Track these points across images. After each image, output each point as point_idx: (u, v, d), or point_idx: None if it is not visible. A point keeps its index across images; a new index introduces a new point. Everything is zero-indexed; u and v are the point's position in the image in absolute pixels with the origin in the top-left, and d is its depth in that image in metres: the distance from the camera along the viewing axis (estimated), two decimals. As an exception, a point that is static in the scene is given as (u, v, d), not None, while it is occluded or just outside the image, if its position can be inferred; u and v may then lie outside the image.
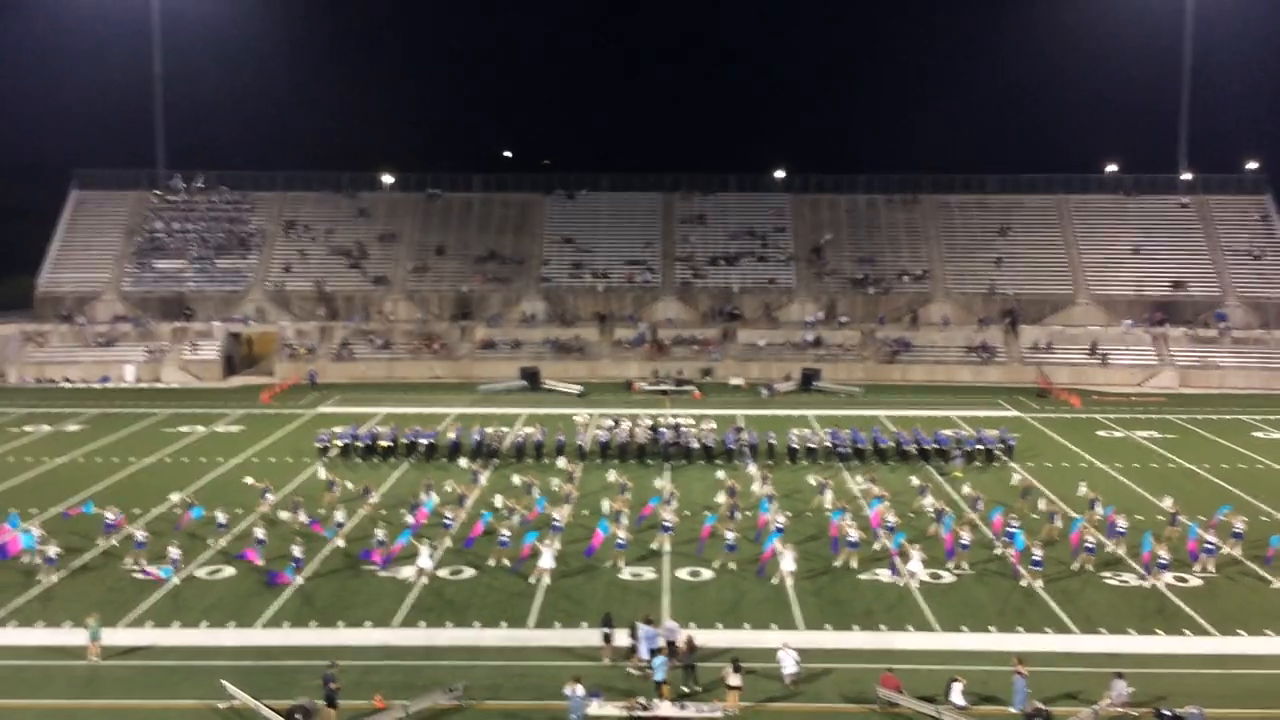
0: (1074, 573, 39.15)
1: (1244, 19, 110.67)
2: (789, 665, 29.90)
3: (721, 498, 46.90)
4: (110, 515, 42.95)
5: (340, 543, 41.81)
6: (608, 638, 32.13)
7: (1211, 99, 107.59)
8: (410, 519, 43.64)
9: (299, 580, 37.83)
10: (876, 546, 41.55)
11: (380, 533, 40.54)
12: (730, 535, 40.51)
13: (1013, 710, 28.28)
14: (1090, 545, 40.08)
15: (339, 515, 43.93)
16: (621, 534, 40.91)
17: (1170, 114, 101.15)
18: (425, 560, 38.57)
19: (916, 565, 38.45)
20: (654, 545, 41.87)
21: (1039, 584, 37.75)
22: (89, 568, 39.53)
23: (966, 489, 49.94)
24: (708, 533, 41.80)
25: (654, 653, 30.43)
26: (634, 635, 31.35)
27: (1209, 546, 40.15)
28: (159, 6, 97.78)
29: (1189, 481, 53.28)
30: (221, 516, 42.85)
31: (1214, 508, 46.94)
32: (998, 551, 41.14)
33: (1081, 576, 38.84)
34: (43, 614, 34.94)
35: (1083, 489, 48.98)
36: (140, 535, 40.36)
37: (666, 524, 42.60)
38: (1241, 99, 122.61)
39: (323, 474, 51.53)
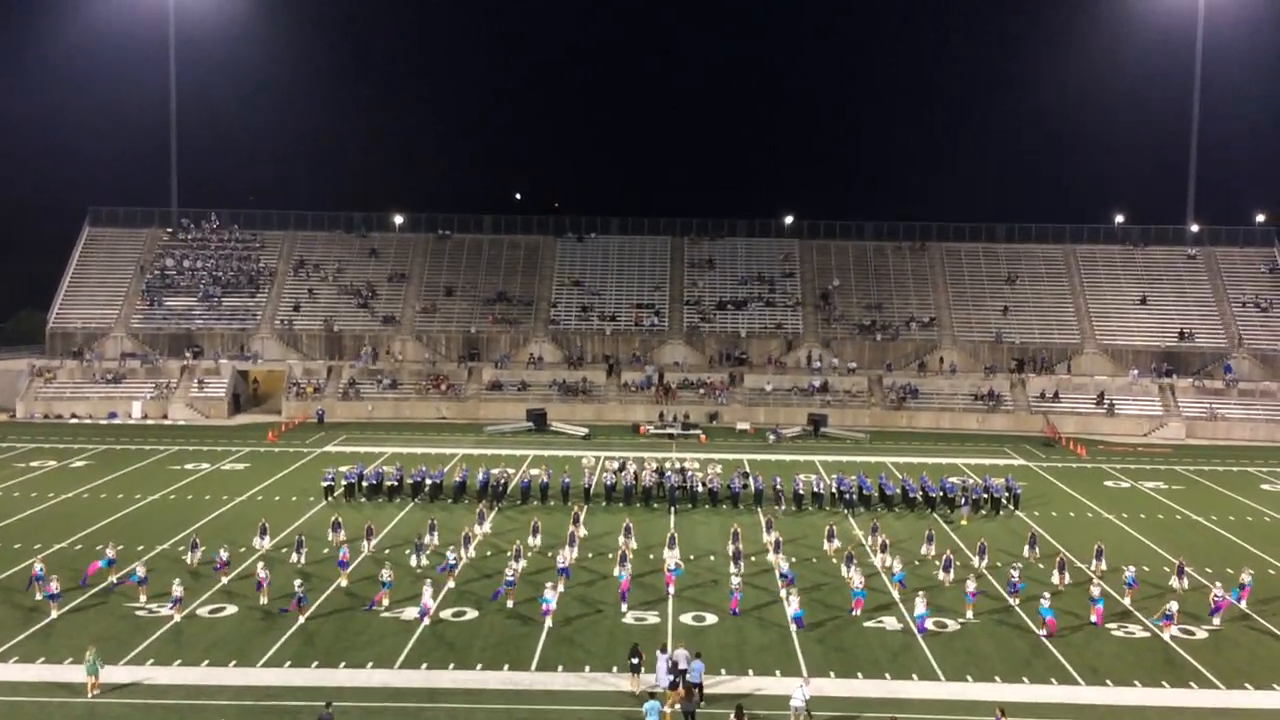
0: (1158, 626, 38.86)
1: (1252, 73, 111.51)
2: (798, 700, 29.56)
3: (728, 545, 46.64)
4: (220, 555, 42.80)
5: (343, 582, 41.65)
6: (635, 669, 32.54)
7: (1219, 152, 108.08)
8: (415, 560, 43.73)
9: (301, 619, 37.66)
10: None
11: (386, 573, 40.37)
12: (735, 580, 40.39)
13: None
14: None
15: (344, 553, 43.86)
16: (625, 573, 40.92)
17: (1178, 166, 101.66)
18: (428, 599, 38.35)
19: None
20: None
21: (1043, 634, 37.50)
22: (84, 607, 39.37)
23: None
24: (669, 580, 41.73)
25: (680, 673, 31.30)
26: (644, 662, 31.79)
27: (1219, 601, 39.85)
28: (174, 50, 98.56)
29: (1195, 533, 52.93)
30: (224, 554, 42.74)
31: (1223, 560, 46.77)
32: (1013, 603, 40.85)
33: (1087, 629, 38.53)
34: (43, 650, 34.78)
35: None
36: (141, 571, 40.32)
37: (674, 569, 42.43)
38: (1249, 152, 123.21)
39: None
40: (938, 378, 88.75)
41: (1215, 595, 40.13)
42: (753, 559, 45.17)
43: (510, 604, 39.37)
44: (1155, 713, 31.58)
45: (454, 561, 43.15)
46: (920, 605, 38.26)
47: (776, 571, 42.45)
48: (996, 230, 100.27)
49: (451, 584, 41.60)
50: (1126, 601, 41.02)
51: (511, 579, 40.13)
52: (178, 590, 38.52)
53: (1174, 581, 43.16)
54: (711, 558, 46.21)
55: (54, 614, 37.89)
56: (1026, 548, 47.84)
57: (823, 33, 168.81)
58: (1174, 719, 31.29)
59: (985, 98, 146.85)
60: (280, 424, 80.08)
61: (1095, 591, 40.32)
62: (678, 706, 30.18)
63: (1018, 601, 40.61)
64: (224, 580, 41.60)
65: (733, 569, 42.38)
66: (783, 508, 55.60)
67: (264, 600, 39.33)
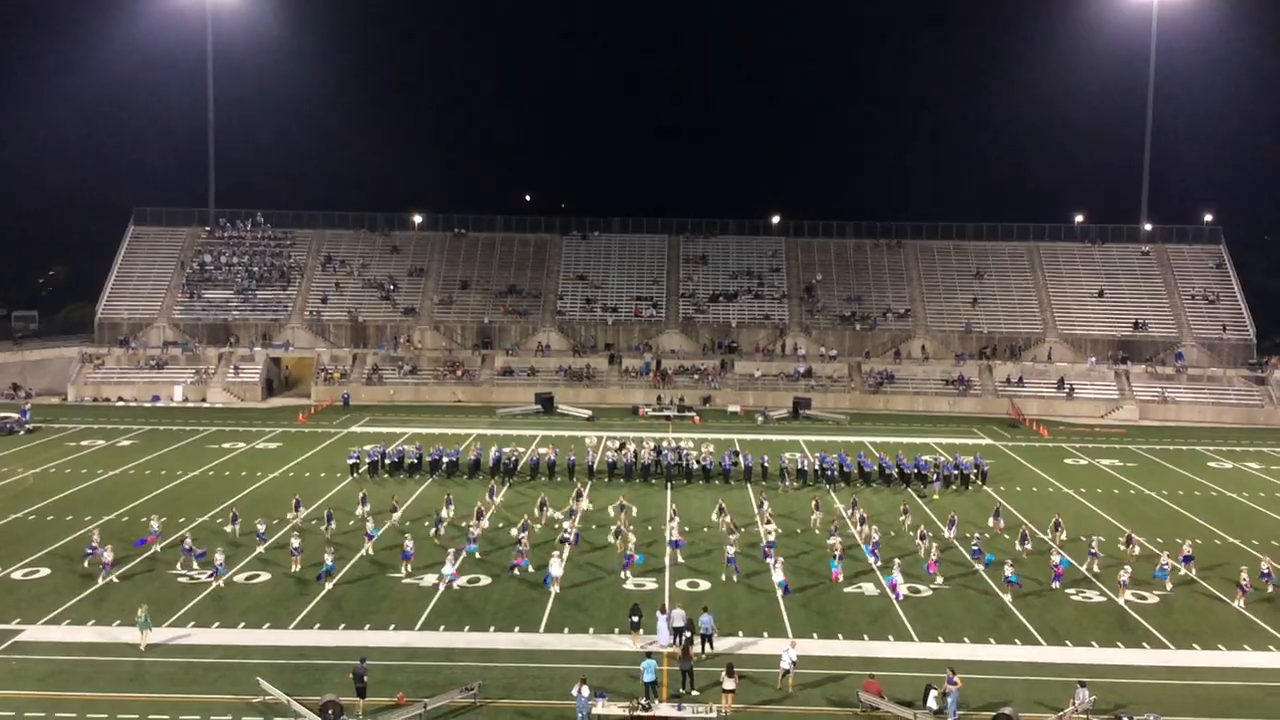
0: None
1: (1202, 82, 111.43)
2: (786, 661, 29.73)
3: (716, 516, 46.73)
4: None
5: (369, 551, 41.73)
6: (635, 626, 33.21)
7: (1171, 156, 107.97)
8: (434, 531, 43.91)
9: (328, 586, 37.79)
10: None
11: (409, 543, 40.45)
12: (731, 550, 40.53)
13: (907, 712, 28.02)
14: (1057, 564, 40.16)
15: (370, 526, 43.93)
16: (631, 546, 41.03)
17: (1133, 170, 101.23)
18: (449, 567, 38.45)
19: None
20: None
21: (1008, 598, 37.63)
22: (131, 574, 39.47)
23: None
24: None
25: (677, 632, 32.09)
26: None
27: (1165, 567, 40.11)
28: (212, 61, 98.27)
29: (1148, 506, 53.03)
30: (260, 527, 42.84)
31: (1173, 531, 46.98)
32: (978, 569, 40.97)
33: (1049, 593, 38.66)
34: (94, 614, 34.89)
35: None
36: (188, 542, 40.54)
37: (675, 540, 42.52)
38: (1198, 157, 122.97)
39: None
40: (912, 364, 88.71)
41: (1163, 564, 40.44)
42: (742, 530, 45.28)
43: (517, 571, 39.42)
44: (1111, 670, 31.68)
45: (475, 535, 43.18)
46: (896, 572, 38.44)
47: (763, 543, 42.50)
48: (966, 229, 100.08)
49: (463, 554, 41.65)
50: (1084, 569, 41.17)
51: (522, 550, 40.27)
52: (219, 558, 38.67)
53: (1125, 548, 43.31)
54: (705, 529, 46.30)
55: (102, 581, 38.01)
56: (991, 519, 47.97)
57: (808, 50, 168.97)
58: (1128, 676, 31.41)
59: (956, 107, 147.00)
60: (309, 407, 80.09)
61: (1055, 559, 40.51)
62: (675, 666, 30.33)
63: (982, 567, 40.78)
64: (259, 549, 41.67)
65: (731, 539, 42.37)
66: (788, 483, 55.55)
67: (296, 568, 39.45)
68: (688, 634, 31.90)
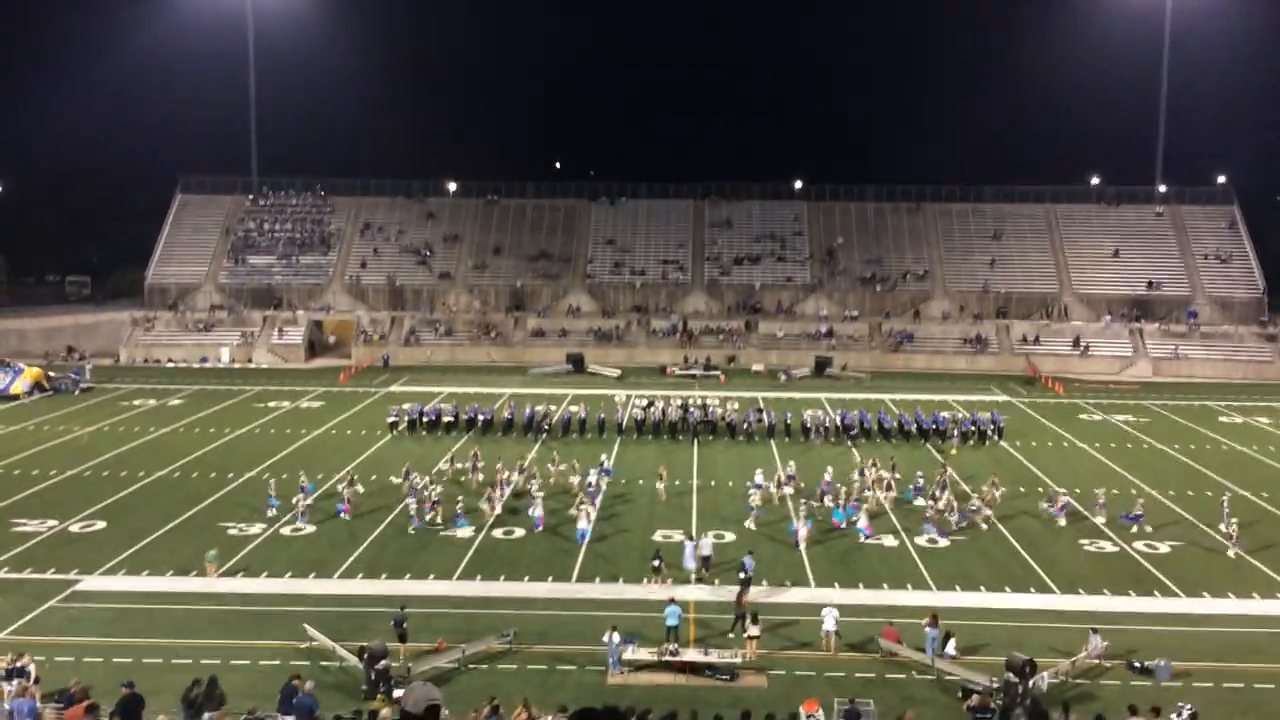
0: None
1: (1215, 46, 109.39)
2: (829, 624, 29.09)
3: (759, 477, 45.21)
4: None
5: (411, 503, 41.15)
6: (657, 570, 33.84)
7: (1184, 119, 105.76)
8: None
9: (417, 525, 39.36)
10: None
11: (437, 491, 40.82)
12: (757, 502, 40.75)
13: (926, 657, 28.10)
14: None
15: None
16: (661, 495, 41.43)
17: (1148, 132, 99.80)
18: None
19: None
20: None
21: (1018, 545, 37.59)
22: (183, 527, 39.96)
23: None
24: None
25: (705, 560, 34.24)
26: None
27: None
28: (254, 35, 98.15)
29: (1161, 460, 52.70)
30: (304, 480, 43.15)
31: (1184, 484, 46.73)
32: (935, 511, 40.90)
33: (1060, 545, 38.59)
34: (148, 564, 35.38)
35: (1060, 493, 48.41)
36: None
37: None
38: (1211, 119, 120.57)
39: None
40: (931, 324, 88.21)
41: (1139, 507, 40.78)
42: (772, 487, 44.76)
43: (539, 522, 39.53)
44: (1124, 617, 31.63)
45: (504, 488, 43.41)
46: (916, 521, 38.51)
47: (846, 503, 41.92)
48: (984, 192, 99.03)
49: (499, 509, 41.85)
50: (1100, 520, 41.05)
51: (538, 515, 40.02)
52: (271, 511, 39.31)
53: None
54: (730, 483, 46.36)
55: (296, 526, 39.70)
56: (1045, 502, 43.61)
57: (828, 19, 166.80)
58: (1139, 623, 31.36)
59: (976, 73, 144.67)
60: (350, 367, 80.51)
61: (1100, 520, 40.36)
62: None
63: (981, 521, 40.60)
64: (308, 501, 41.13)
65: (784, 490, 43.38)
66: (815, 437, 55.57)
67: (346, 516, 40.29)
68: (742, 576, 32.08)
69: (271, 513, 40.61)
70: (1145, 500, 42.56)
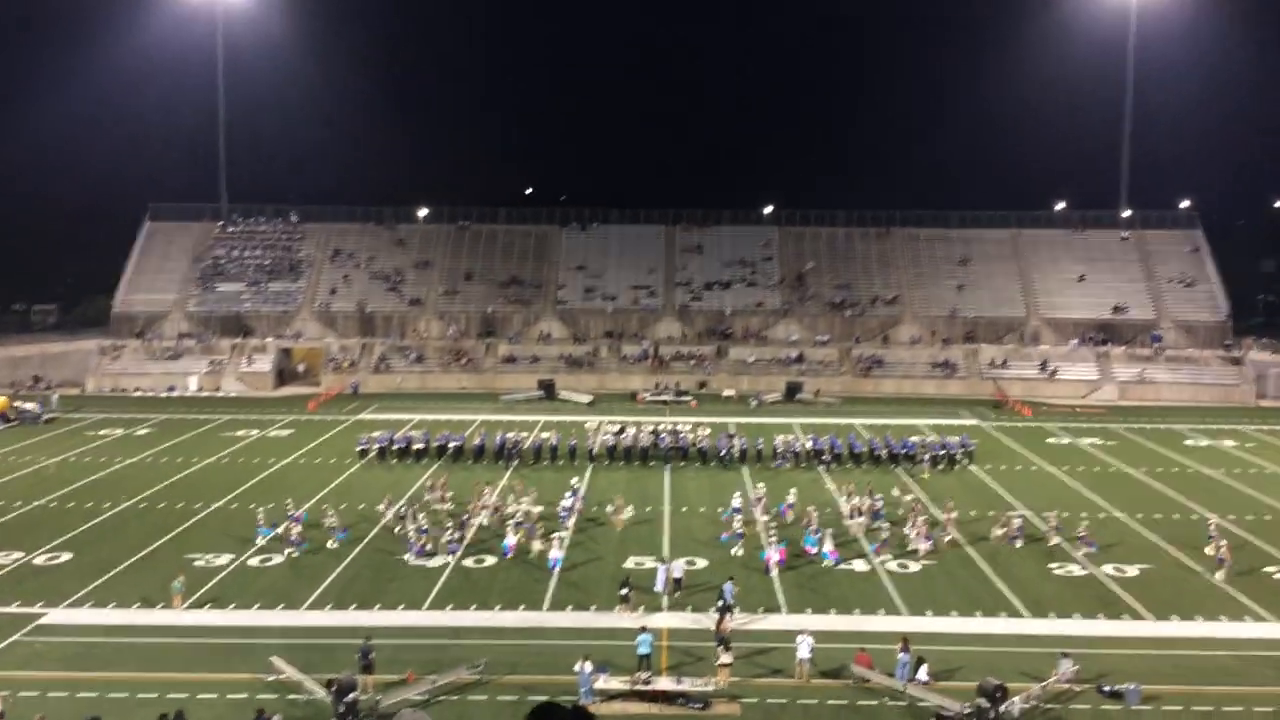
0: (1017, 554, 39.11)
1: (1178, 74, 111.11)
2: (804, 651, 28.93)
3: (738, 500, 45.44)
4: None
5: (411, 531, 40.66)
6: (625, 599, 33.46)
7: (1149, 144, 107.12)
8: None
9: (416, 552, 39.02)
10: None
11: (416, 523, 40.50)
12: (737, 528, 40.87)
13: (899, 683, 28.05)
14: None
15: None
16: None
17: (1112, 158, 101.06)
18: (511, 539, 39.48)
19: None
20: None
21: (989, 569, 37.66)
22: (150, 557, 39.47)
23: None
24: None
25: (676, 583, 34.36)
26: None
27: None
28: (223, 60, 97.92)
29: (1128, 483, 53.03)
30: (291, 508, 42.53)
31: (1152, 507, 47.02)
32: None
33: (1028, 569, 38.69)
34: (114, 596, 34.90)
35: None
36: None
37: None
38: (1176, 145, 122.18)
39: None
40: (900, 348, 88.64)
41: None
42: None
43: (511, 547, 39.27)
44: (1094, 641, 31.73)
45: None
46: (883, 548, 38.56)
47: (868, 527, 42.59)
48: (951, 217, 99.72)
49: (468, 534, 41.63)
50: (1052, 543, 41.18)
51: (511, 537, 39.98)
52: (261, 540, 39.21)
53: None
54: (701, 509, 46.29)
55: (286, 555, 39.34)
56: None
57: (797, 46, 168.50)
58: (1111, 647, 31.45)
59: (942, 97, 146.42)
60: (319, 395, 79.98)
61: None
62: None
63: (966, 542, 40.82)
64: (293, 534, 40.58)
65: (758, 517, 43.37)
66: (780, 463, 55.65)
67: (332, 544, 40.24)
68: (721, 604, 31.99)
69: (261, 541, 40.17)
70: (1091, 523, 42.90)
